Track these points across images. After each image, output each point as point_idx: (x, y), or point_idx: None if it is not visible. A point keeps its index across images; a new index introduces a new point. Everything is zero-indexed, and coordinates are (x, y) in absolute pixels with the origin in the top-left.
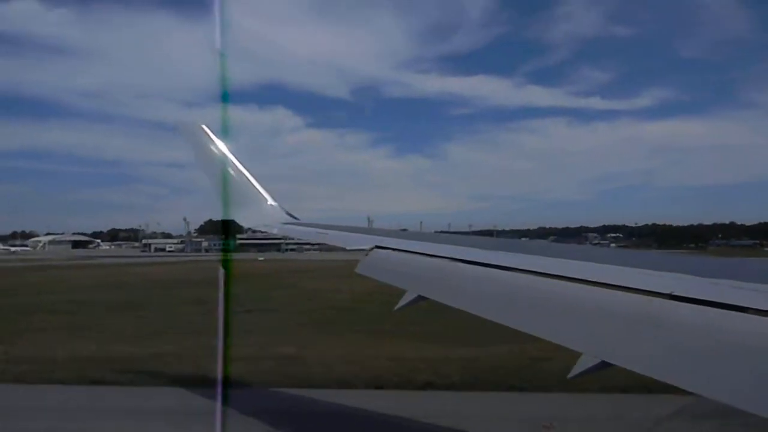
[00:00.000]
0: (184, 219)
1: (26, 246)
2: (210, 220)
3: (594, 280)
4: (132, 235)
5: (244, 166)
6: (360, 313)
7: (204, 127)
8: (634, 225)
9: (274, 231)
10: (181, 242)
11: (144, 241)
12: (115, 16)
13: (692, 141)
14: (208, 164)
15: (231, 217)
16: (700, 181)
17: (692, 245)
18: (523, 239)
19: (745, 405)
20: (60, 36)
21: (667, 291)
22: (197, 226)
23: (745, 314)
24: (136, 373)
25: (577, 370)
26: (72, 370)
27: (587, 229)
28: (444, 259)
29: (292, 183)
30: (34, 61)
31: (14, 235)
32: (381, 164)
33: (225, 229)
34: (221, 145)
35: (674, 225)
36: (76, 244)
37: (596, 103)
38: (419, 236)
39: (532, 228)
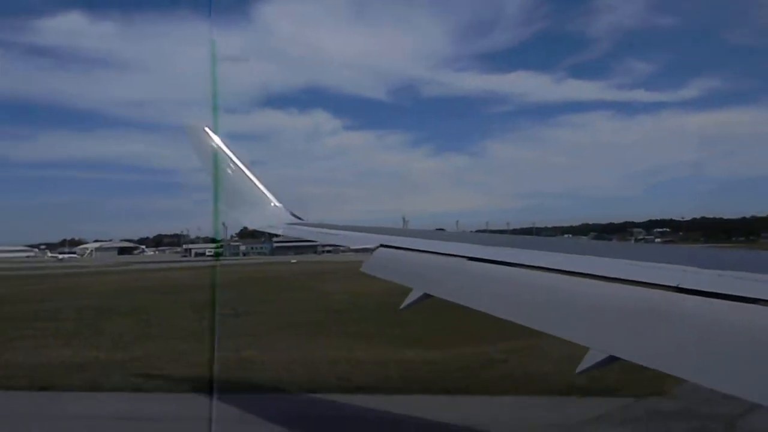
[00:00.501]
0: (223, 224)
1: (74, 253)
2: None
3: (600, 274)
4: (176, 241)
5: (248, 168)
6: (359, 314)
7: (207, 129)
8: (681, 219)
9: (279, 231)
10: (220, 246)
11: (185, 246)
12: (156, 28)
13: (742, 131)
14: (212, 166)
15: (235, 219)
16: (752, 173)
17: (742, 239)
18: (538, 237)
19: (753, 397)
20: (104, 49)
21: (673, 284)
22: (237, 231)
23: (753, 305)
24: (88, 380)
25: (585, 365)
26: (30, 377)
27: (633, 225)
28: (448, 257)
29: (332, 186)
30: (81, 73)
31: (63, 243)
32: (420, 164)
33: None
34: (224, 147)
35: (724, 218)
36: (122, 251)
37: (641, 95)
38: (424, 234)
39: (575, 225)
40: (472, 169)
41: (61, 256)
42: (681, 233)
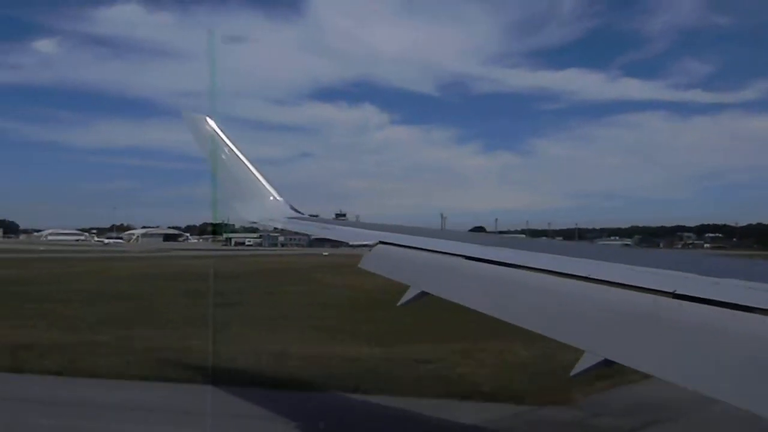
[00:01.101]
0: (337, 215)
1: (120, 238)
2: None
3: (597, 278)
4: (225, 230)
5: (249, 160)
6: (347, 310)
7: (209, 119)
8: (735, 225)
9: (279, 225)
10: (260, 237)
11: (225, 236)
12: (212, 18)
13: None
14: (212, 156)
15: (236, 210)
16: None
17: None
18: (535, 237)
19: (747, 405)
20: (160, 39)
21: (670, 290)
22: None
23: (749, 314)
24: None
25: (580, 367)
26: None
27: (684, 229)
28: (446, 255)
29: (377, 180)
30: (136, 63)
31: (112, 228)
32: (468, 161)
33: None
34: (226, 139)
35: None
36: (167, 237)
37: (698, 96)
38: (423, 232)
39: (623, 227)
40: (520, 167)
41: (106, 241)
42: (734, 239)
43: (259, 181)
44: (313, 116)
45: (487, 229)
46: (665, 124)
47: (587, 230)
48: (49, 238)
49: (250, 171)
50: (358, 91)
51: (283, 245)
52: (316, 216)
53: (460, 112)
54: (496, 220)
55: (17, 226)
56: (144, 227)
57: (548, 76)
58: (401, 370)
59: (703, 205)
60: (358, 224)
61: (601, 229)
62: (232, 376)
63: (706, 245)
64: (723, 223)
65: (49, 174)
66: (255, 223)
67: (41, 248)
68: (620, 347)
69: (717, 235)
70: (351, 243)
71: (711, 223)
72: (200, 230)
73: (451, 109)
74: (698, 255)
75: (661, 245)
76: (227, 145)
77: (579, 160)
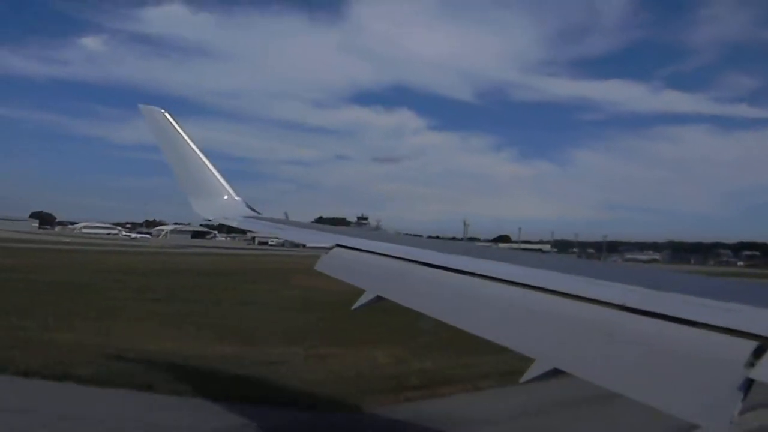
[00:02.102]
0: (285, 214)
1: (149, 234)
2: (320, 217)
3: (550, 288)
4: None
5: (207, 158)
6: (286, 312)
7: (166, 113)
8: None
9: (234, 224)
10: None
11: (250, 235)
12: (252, 20)
13: None
14: (169, 151)
15: (190, 207)
16: None
17: None
18: (489, 245)
19: (691, 417)
20: (202, 39)
21: (620, 302)
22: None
23: (695, 328)
24: None
25: (529, 375)
26: None
27: (722, 246)
28: (402, 261)
29: (410, 184)
30: (178, 62)
31: (144, 223)
32: (503, 168)
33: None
34: (183, 134)
35: None
36: (196, 234)
37: (743, 110)
38: (381, 236)
39: (659, 241)
40: (556, 177)
41: (133, 236)
42: None
43: (216, 178)
44: (350, 119)
45: (512, 238)
46: (708, 137)
47: (618, 243)
48: (83, 231)
49: (207, 168)
50: (395, 96)
51: (305, 246)
52: (286, 218)
53: (498, 120)
54: (520, 229)
55: (54, 218)
56: (176, 224)
57: (589, 86)
58: (227, 370)
59: (743, 222)
60: (314, 226)
61: (634, 242)
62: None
63: (739, 263)
64: (763, 241)
65: (89, 167)
66: (210, 220)
67: (65, 240)
68: (570, 357)
69: (754, 253)
70: (307, 245)
71: (750, 241)
72: (228, 229)
73: (489, 116)
74: (650, 270)
75: (692, 261)
76: (185, 140)
77: (617, 171)
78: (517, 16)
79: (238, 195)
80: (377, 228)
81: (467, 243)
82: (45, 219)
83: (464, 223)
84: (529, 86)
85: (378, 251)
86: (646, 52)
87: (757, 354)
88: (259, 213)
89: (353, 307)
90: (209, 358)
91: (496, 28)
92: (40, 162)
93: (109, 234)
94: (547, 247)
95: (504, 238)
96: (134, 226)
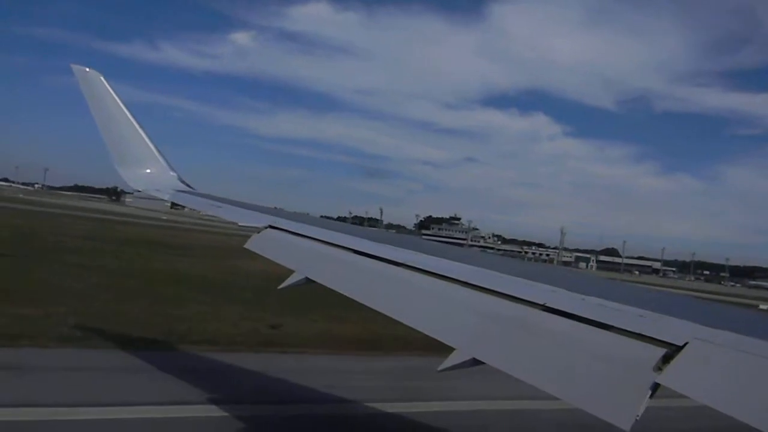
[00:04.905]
0: (417, 216)
1: None
2: (429, 216)
3: (474, 283)
4: (372, 225)
5: (141, 127)
6: (193, 284)
7: (102, 78)
8: None
9: (165, 197)
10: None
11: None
12: (394, 20)
13: None
14: (102, 117)
15: (120, 175)
16: None
17: None
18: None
19: (598, 413)
20: (345, 38)
21: (541, 302)
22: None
23: (610, 332)
24: None
25: (448, 363)
26: None
27: None
28: (335, 247)
29: (540, 191)
30: (322, 59)
31: None
32: (643, 181)
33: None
34: (119, 101)
35: None
36: None
37: None
38: (313, 221)
39: None
40: (704, 194)
41: None
42: None
43: (151, 149)
44: (482, 122)
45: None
46: None
47: (756, 268)
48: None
49: (142, 137)
50: (531, 100)
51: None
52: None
53: (640, 130)
54: (663, 249)
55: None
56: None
57: (744, 99)
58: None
59: None
60: (246, 205)
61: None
62: None
63: None
64: None
65: (231, 155)
66: (139, 191)
67: (164, 218)
68: (490, 350)
69: None
70: (240, 224)
71: None
72: (350, 223)
73: (630, 125)
74: (569, 271)
75: None
76: (120, 107)
77: None
78: (666, 24)
79: (172, 169)
80: (470, 230)
81: (409, 236)
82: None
83: (561, 232)
84: (676, 96)
85: (311, 236)
86: None
87: (666, 360)
88: (192, 188)
89: (280, 287)
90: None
91: (644, 36)
92: (187, 147)
93: None
94: (657, 264)
95: (610, 252)
96: None
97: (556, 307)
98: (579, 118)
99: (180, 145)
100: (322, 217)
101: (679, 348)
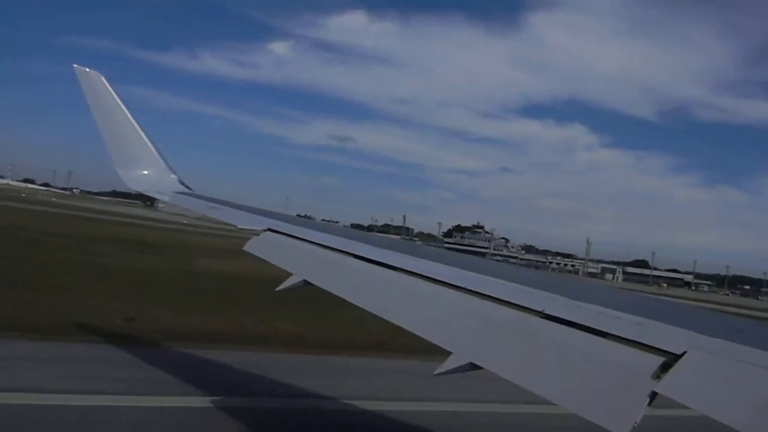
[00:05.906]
0: (439, 224)
1: None
2: (458, 226)
3: (473, 289)
4: (402, 233)
5: (142, 129)
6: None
7: (103, 78)
8: None
9: (165, 199)
10: None
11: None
12: (430, 29)
13: None
14: (103, 118)
15: (120, 176)
16: None
17: None
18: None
19: (596, 419)
20: (380, 47)
21: (540, 309)
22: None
23: (608, 339)
24: None
25: (445, 367)
26: None
27: None
28: (333, 251)
29: (577, 201)
30: (358, 68)
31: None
32: (682, 193)
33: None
34: (120, 102)
35: None
36: None
37: None
38: (312, 225)
39: None
40: (747, 207)
41: None
42: None
43: (152, 151)
44: (518, 131)
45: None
46: None
47: None
48: None
49: (143, 139)
50: (568, 110)
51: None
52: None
53: (680, 140)
54: (695, 261)
55: None
56: (323, 221)
57: None
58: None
59: None
60: (247, 208)
61: None
62: None
63: None
64: None
65: (263, 163)
66: (139, 192)
67: (185, 221)
68: (488, 355)
69: None
70: (239, 226)
71: None
72: (378, 230)
73: (670, 136)
74: (567, 278)
75: None
76: (121, 108)
77: None
78: (708, 33)
79: (173, 171)
80: (492, 239)
81: (409, 242)
82: None
83: (587, 242)
84: (718, 106)
85: (310, 239)
86: None
87: (664, 369)
88: (192, 190)
89: (278, 289)
90: None
91: (685, 45)
92: (224, 156)
93: None
94: (689, 277)
95: (641, 264)
96: None
97: (554, 314)
98: (617, 128)
99: (215, 153)
100: (352, 225)
101: (678, 357)
